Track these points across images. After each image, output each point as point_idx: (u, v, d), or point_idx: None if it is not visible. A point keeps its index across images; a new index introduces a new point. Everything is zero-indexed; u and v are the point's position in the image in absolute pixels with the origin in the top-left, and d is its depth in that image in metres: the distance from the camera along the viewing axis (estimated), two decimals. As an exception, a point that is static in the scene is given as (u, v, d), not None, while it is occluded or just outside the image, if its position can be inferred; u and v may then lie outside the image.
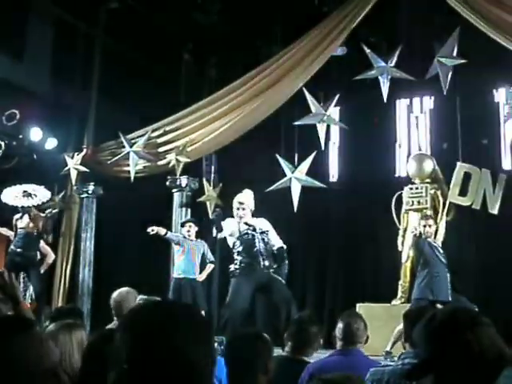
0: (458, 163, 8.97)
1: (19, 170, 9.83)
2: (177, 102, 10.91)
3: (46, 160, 10.34)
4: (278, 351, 3.98)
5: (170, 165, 10.06)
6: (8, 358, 1.67)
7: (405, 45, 9.10)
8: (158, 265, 10.13)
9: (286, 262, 7.99)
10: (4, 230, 9.70)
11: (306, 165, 9.61)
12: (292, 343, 4.07)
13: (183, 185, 10.40)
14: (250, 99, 9.65)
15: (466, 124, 9.42)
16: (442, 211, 9.07)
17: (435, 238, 9.02)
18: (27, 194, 9.45)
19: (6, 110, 9.54)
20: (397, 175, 10.55)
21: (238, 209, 7.95)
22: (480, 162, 8.99)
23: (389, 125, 10.69)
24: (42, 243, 9.63)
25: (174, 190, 10.47)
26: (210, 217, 8.18)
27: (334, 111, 9.92)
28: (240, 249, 7.87)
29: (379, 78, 9.04)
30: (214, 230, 9.02)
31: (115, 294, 5.03)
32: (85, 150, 10.68)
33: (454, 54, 8.71)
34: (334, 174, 11.03)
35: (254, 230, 7.85)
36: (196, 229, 9.33)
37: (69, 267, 10.68)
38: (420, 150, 10.34)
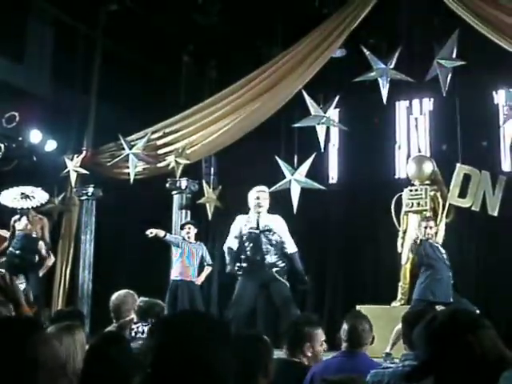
0: (458, 165, 8.96)
1: (19, 173, 9.82)
2: (177, 103, 10.92)
3: (46, 162, 10.34)
4: (277, 353, 3.97)
5: (170, 167, 10.06)
6: (26, 357, 1.71)
7: (404, 47, 9.11)
8: (158, 267, 10.12)
9: (300, 267, 7.89)
10: (3, 232, 9.70)
11: (305, 167, 9.62)
12: (287, 345, 4.05)
13: (183, 187, 10.39)
14: (250, 101, 9.66)
15: (465, 126, 9.42)
16: (442, 213, 9.06)
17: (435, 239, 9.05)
18: (25, 196, 9.45)
19: (5, 113, 9.55)
20: (396, 177, 10.55)
21: (258, 197, 7.89)
22: (480, 164, 8.98)
23: (388, 127, 10.69)
24: (41, 245, 9.62)
25: (173, 192, 10.47)
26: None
27: (333, 113, 9.93)
28: (245, 248, 7.84)
29: (379, 79, 9.04)
30: None
31: (114, 297, 5.03)
32: (84, 152, 10.68)
33: (454, 55, 8.72)
34: (333, 175, 11.03)
35: (257, 228, 7.82)
36: (195, 231, 9.34)
37: (68, 269, 10.68)
38: (419, 151, 10.35)
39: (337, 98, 9.47)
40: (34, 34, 10.41)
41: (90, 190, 10.76)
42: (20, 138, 9.93)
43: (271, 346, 3.22)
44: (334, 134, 10.84)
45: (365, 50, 9.06)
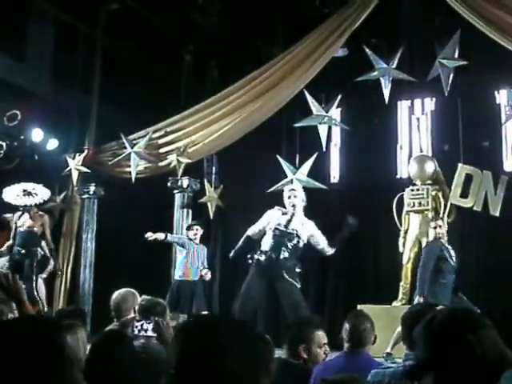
0: (460, 165, 8.97)
1: (20, 171, 9.82)
2: (177, 103, 10.91)
3: (48, 161, 10.34)
4: (278, 352, 3.96)
5: (171, 166, 10.06)
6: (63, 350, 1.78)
7: (406, 46, 9.11)
8: (159, 266, 10.12)
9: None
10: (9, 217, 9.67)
11: (307, 166, 9.62)
12: (286, 345, 4.03)
13: (184, 186, 10.39)
14: (251, 101, 9.66)
15: (467, 125, 9.41)
16: (443, 213, 9.06)
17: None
18: (27, 193, 9.45)
19: (7, 111, 9.56)
20: (398, 177, 10.54)
21: (290, 197, 7.87)
22: (481, 164, 8.98)
23: (390, 126, 10.67)
24: (44, 246, 9.64)
25: (175, 191, 10.46)
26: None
27: (335, 112, 9.92)
28: (266, 242, 7.79)
29: (381, 79, 9.04)
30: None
31: (115, 295, 5.03)
32: (86, 151, 10.69)
33: (456, 55, 8.72)
34: (335, 175, 11.02)
35: (286, 228, 7.78)
36: (201, 232, 9.27)
37: (70, 268, 10.69)
38: (421, 151, 10.33)
39: (339, 98, 9.47)
40: (35, 34, 10.41)
41: (92, 188, 10.76)
42: (22, 137, 9.94)
43: (273, 345, 3.21)
44: (336, 133, 10.82)
45: (367, 50, 9.06)
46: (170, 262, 9.85)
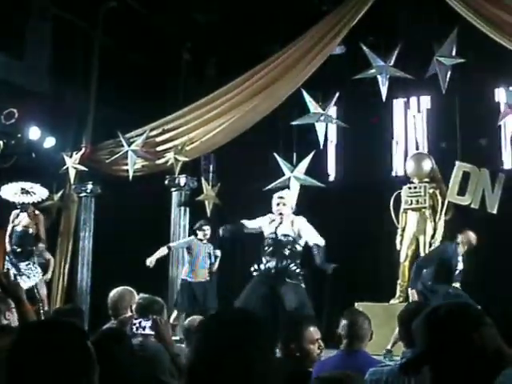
0: (457, 162, 8.97)
1: (18, 169, 9.81)
2: (175, 101, 10.90)
3: (45, 159, 10.33)
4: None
5: (169, 164, 10.06)
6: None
7: (403, 44, 9.10)
8: (157, 264, 10.10)
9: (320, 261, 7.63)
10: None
11: (304, 164, 9.62)
12: (280, 345, 4.01)
13: (182, 184, 10.39)
14: (249, 98, 9.65)
15: (464, 123, 9.41)
16: (441, 210, 9.07)
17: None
18: (25, 192, 9.46)
19: (4, 109, 9.54)
20: (394, 174, 10.55)
21: (278, 204, 7.62)
22: (479, 162, 8.99)
23: (386, 124, 10.68)
24: (42, 247, 9.65)
25: (172, 189, 10.47)
26: (220, 233, 7.92)
27: (331, 110, 9.91)
28: (264, 251, 7.72)
29: (378, 77, 9.03)
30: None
31: (112, 294, 5.02)
32: (83, 149, 10.68)
33: (453, 53, 8.71)
34: (332, 172, 11.02)
35: (275, 234, 7.64)
36: (210, 230, 9.29)
37: (67, 266, 10.68)
38: (417, 149, 10.34)
39: (336, 96, 9.46)
40: (34, 31, 10.40)
41: (89, 186, 10.76)
42: (19, 135, 9.92)
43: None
44: (332, 131, 10.82)
45: (364, 48, 9.05)
46: (167, 261, 9.84)
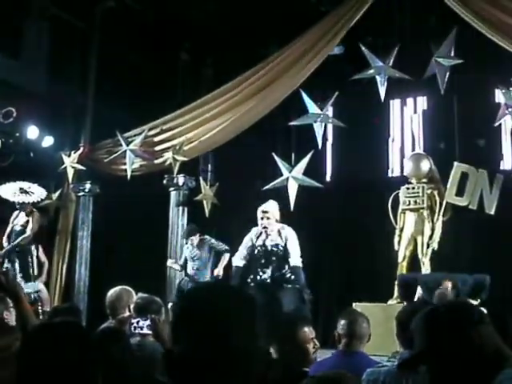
0: (455, 163, 8.98)
1: (16, 168, 9.81)
2: (174, 100, 10.91)
3: (43, 158, 10.32)
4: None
5: (167, 163, 10.06)
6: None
7: (402, 44, 9.11)
8: (155, 263, 10.12)
9: (302, 281, 7.50)
10: None
11: (303, 164, 9.62)
12: (275, 346, 3.98)
13: (180, 183, 10.39)
14: (247, 98, 9.65)
15: (462, 124, 9.43)
16: (439, 211, 9.08)
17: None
18: (24, 191, 9.46)
19: (2, 108, 9.54)
20: (391, 175, 10.56)
21: (262, 218, 7.53)
22: (477, 162, 9.00)
23: (383, 124, 10.70)
24: (40, 251, 9.65)
25: (170, 189, 10.47)
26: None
27: (329, 110, 9.91)
28: (256, 262, 7.65)
29: (376, 77, 9.03)
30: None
31: (110, 293, 5.02)
32: (81, 149, 10.68)
33: (452, 54, 8.72)
34: (330, 173, 11.03)
35: (264, 246, 7.64)
36: (197, 236, 9.26)
37: (65, 266, 10.68)
38: (413, 149, 10.35)
39: (334, 96, 9.46)
40: (31, 30, 10.38)
41: (87, 186, 10.75)
42: (17, 134, 9.91)
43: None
44: (329, 131, 10.83)
45: (363, 48, 9.05)
46: (164, 260, 9.84)
